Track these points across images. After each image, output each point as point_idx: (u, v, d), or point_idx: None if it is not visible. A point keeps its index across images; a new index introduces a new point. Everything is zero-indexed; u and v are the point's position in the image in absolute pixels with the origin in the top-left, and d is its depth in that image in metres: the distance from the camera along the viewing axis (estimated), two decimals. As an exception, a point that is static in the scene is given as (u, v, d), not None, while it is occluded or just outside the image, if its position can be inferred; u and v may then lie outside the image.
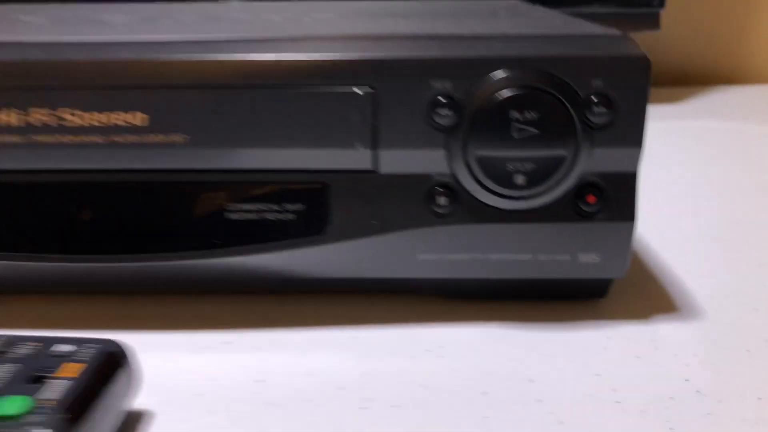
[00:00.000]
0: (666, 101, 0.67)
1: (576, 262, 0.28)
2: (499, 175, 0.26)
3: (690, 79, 0.78)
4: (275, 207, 0.28)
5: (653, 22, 0.65)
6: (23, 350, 0.22)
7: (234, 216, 0.28)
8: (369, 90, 0.26)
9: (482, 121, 0.26)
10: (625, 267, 0.28)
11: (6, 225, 0.28)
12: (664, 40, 0.72)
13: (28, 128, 0.26)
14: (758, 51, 0.80)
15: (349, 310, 0.29)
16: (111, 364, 0.22)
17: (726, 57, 0.80)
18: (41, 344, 0.23)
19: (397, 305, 0.29)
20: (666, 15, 0.66)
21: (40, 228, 0.28)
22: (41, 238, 0.28)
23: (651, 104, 0.26)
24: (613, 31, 0.28)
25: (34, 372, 0.21)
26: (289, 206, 0.28)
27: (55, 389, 0.20)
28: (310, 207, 0.28)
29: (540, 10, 0.39)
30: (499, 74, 0.26)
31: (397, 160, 0.27)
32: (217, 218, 0.28)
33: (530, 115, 0.25)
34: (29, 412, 0.19)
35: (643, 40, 0.33)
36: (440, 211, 0.27)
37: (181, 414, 0.23)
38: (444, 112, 0.26)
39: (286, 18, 0.36)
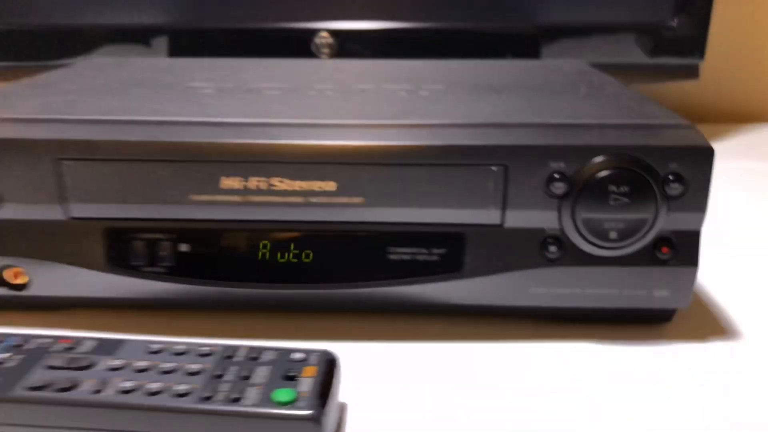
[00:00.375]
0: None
1: (651, 296, 0.37)
2: (597, 231, 0.35)
3: (726, 116, 0.87)
4: (424, 250, 0.37)
5: (693, 72, 0.74)
6: (268, 357, 0.32)
7: (394, 257, 0.37)
8: (502, 167, 0.35)
9: (587, 192, 0.35)
10: (688, 300, 0.37)
11: (225, 261, 0.37)
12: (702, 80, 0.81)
13: (247, 191, 0.36)
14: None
15: (475, 330, 0.38)
16: (331, 367, 0.31)
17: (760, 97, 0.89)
18: (279, 352, 0.32)
19: (510, 325, 0.39)
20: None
21: (249, 263, 0.37)
22: (251, 271, 0.37)
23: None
24: (683, 121, 0.37)
25: (285, 372, 0.30)
26: (435, 250, 0.37)
27: (305, 385, 0.30)
28: (451, 251, 0.37)
29: (611, 84, 0.48)
30: (600, 158, 0.35)
31: (519, 218, 0.36)
32: (382, 258, 0.37)
33: (623, 188, 0.35)
34: (295, 400, 0.29)
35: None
36: (550, 256, 0.36)
37: (369, 406, 0.32)
38: (558, 185, 0.35)
39: (408, 91, 0.46)
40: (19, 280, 0.39)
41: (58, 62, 0.70)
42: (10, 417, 0.29)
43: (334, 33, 0.71)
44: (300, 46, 0.71)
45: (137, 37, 0.74)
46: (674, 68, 0.74)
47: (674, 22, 0.72)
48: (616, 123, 0.37)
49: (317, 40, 0.71)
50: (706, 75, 0.79)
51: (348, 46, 0.72)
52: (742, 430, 0.31)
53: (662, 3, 0.72)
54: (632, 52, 0.73)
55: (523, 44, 0.74)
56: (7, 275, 0.39)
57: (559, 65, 0.58)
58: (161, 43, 0.73)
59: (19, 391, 0.29)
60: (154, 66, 0.56)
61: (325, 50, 0.71)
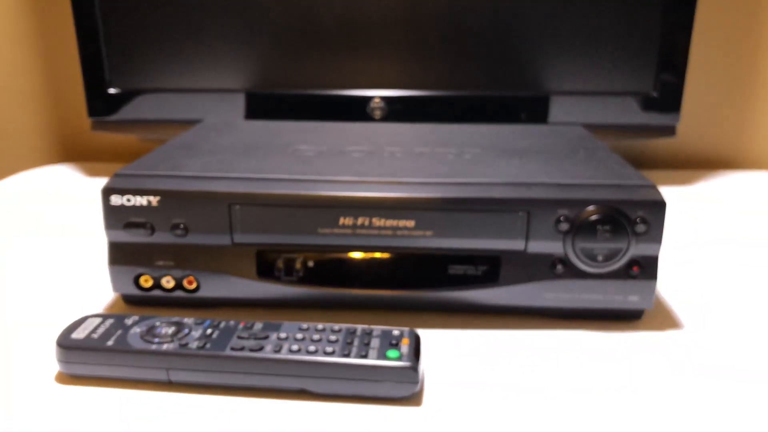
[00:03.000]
0: (680, 183, 0.94)
1: (625, 300, 0.55)
2: (589, 255, 0.53)
3: (699, 164, 1.06)
4: (473, 267, 0.55)
5: (670, 131, 0.92)
6: (377, 333, 0.49)
7: (452, 271, 0.55)
8: (526, 213, 0.53)
9: (582, 230, 0.53)
10: (651, 303, 0.55)
11: (338, 272, 0.55)
12: (680, 133, 0.99)
13: (354, 226, 0.54)
14: (757, 143, 1.07)
15: (505, 321, 0.56)
16: (418, 339, 0.49)
17: (730, 146, 1.07)
18: (383, 330, 0.49)
19: (531, 321, 0.56)
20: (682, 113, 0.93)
21: (354, 275, 0.55)
22: (355, 280, 0.55)
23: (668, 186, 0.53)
24: (649, 183, 0.55)
25: (390, 342, 0.48)
26: (480, 267, 0.55)
27: (404, 349, 0.47)
28: (491, 268, 0.55)
29: (601, 150, 0.66)
30: (592, 207, 0.53)
31: (537, 246, 0.54)
32: (443, 272, 0.55)
33: (606, 227, 0.52)
34: (400, 357, 0.46)
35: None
36: (557, 272, 0.54)
37: (437, 364, 0.50)
38: (563, 224, 0.53)
39: (454, 155, 0.64)
40: (192, 286, 0.56)
41: (166, 118, 0.89)
42: (222, 367, 0.47)
43: (384, 99, 0.90)
44: (357, 108, 0.90)
45: (222, 99, 0.93)
46: (655, 128, 0.92)
47: (655, 93, 0.90)
48: (603, 183, 0.55)
49: (371, 104, 0.89)
50: (682, 132, 0.98)
51: (394, 108, 0.91)
52: (688, 389, 0.48)
53: (645, 76, 0.91)
54: (621, 115, 0.92)
55: (534, 107, 0.92)
56: (185, 282, 0.56)
57: (563, 131, 0.76)
58: (240, 104, 0.92)
59: (228, 351, 0.47)
60: (259, 129, 0.75)
61: (377, 112, 0.90)
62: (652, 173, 1.01)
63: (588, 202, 0.52)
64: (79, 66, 1.05)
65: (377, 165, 0.60)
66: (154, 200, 0.54)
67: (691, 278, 0.65)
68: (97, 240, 0.74)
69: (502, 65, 0.90)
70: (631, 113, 0.91)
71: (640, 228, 0.52)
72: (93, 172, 1.03)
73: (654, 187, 0.54)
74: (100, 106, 0.93)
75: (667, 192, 0.91)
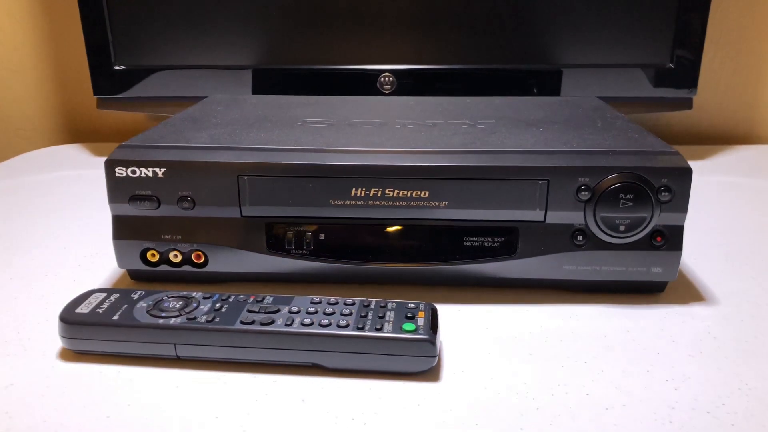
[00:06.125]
0: (697, 158, 0.92)
1: (649, 272, 0.53)
2: (611, 225, 0.51)
3: (715, 138, 1.03)
4: (489, 239, 0.53)
5: (687, 104, 0.90)
6: (392, 306, 0.47)
7: (468, 243, 0.53)
8: (545, 181, 0.51)
9: (604, 198, 0.51)
10: (675, 275, 0.53)
11: (349, 246, 0.53)
12: (695, 108, 0.97)
13: (366, 197, 0.52)
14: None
15: (524, 296, 0.54)
16: (434, 312, 0.47)
17: (743, 121, 1.05)
18: (398, 303, 0.48)
19: (550, 294, 0.54)
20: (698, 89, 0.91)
21: (367, 248, 0.53)
22: (368, 253, 0.53)
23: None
24: (672, 149, 0.53)
25: (406, 314, 0.46)
26: (497, 239, 0.53)
27: (420, 322, 0.45)
28: (508, 239, 0.53)
29: (619, 119, 0.64)
30: (613, 175, 0.51)
31: (556, 216, 0.52)
32: (459, 244, 0.53)
33: (629, 195, 0.50)
34: (416, 329, 0.45)
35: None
36: (578, 243, 0.52)
37: (459, 344, 0.48)
38: (584, 193, 0.51)
39: (468, 125, 0.62)
40: (200, 260, 0.55)
41: (174, 95, 0.87)
42: (232, 341, 0.45)
43: (394, 73, 0.88)
44: (367, 83, 0.88)
45: (229, 75, 0.91)
46: (671, 101, 0.90)
47: (671, 64, 0.88)
48: (624, 150, 0.53)
49: (381, 78, 0.87)
50: (697, 107, 0.95)
51: (404, 83, 0.88)
52: (713, 364, 0.46)
53: (661, 47, 0.88)
54: (637, 88, 0.89)
55: (547, 81, 0.90)
56: (192, 257, 0.55)
57: (578, 101, 0.74)
58: (247, 80, 0.90)
59: (238, 325, 0.45)
60: (267, 103, 0.73)
61: (387, 87, 0.87)
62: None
63: (610, 170, 0.50)
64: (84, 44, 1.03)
65: (389, 136, 0.58)
66: (160, 172, 0.52)
67: (713, 251, 0.63)
68: (102, 215, 0.72)
69: (514, 38, 0.88)
70: (647, 86, 0.89)
71: (665, 196, 0.50)
72: (100, 152, 1.01)
73: (678, 154, 0.52)
74: (106, 83, 0.91)
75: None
